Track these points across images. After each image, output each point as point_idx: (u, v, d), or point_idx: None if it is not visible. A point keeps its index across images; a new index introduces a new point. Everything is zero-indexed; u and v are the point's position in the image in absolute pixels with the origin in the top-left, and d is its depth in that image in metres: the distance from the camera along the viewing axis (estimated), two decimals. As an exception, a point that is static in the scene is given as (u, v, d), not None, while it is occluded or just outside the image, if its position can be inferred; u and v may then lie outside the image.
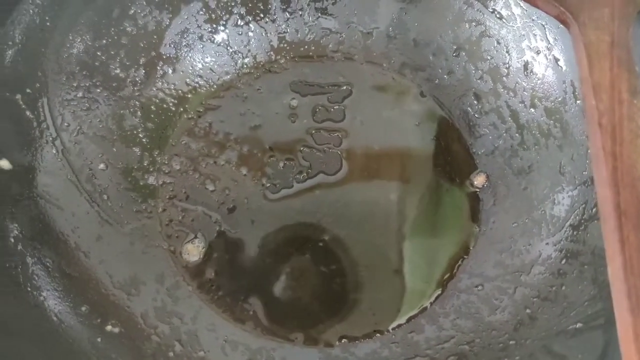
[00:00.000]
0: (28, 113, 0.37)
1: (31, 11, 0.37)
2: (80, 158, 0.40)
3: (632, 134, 0.28)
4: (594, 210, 0.37)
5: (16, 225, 0.35)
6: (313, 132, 0.44)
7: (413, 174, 0.43)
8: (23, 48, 0.37)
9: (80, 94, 0.40)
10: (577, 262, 0.36)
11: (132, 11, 0.42)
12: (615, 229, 0.26)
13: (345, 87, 0.45)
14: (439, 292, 0.40)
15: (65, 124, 0.39)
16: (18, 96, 0.37)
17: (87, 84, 0.40)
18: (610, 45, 0.30)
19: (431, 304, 0.39)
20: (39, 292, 0.34)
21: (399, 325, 0.39)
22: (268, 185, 0.42)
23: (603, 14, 0.31)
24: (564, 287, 0.36)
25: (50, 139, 0.38)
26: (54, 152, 0.38)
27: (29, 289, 0.34)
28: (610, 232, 0.26)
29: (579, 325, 0.33)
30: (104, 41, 0.41)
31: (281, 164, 0.43)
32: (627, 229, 0.26)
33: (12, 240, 0.35)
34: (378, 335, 0.38)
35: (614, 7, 0.31)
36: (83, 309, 0.35)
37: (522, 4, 0.41)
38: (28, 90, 0.37)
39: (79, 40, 0.40)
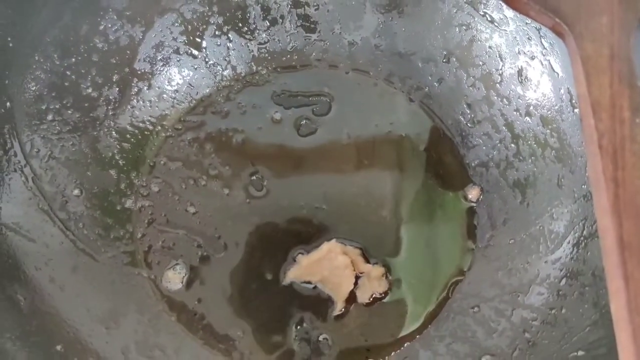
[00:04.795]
0: (-7, 141, 0.35)
1: (-9, 32, 0.35)
2: (52, 185, 0.38)
3: (635, 157, 0.26)
4: (594, 226, 0.35)
5: (-18, 262, 0.33)
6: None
7: (404, 188, 0.41)
8: (-16, 72, 0.35)
9: (50, 117, 0.38)
10: (577, 283, 0.35)
11: (102, 26, 0.39)
12: (619, 264, 0.24)
13: (330, 98, 0.43)
14: (433, 314, 0.38)
15: (35, 150, 0.37)
16: (-19, 124, 0.35)
17: (57, 106, 0.38)
18: (610, 59, 0.28)
19: (426, 327, 0.37)
20: (3, 335, 0.32)
21: (393, 352, 0.37)
22: (253, 204, 0.40)
23: (601, 23, 0.28)
24: (564, 310, 0.34)
25: (19, 166, 0.36)
26: (23, 180, 0.36)
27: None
28: (613, 267, 0.24)
29: (580, 353, 0.31)
30: (73, 59, 0.38)
31: (266, 182, 0.41)
32: (632, 264, 0.24)
33: (-21, 279, 0.33)
34: (371, 361, 0.37)
35: (613, 14, 0.29)
36: (58, 348, 0.33)
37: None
38: (-8, 117, 0.35)
39: (45, 60, 0.37)
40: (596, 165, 0.26)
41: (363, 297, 0.37)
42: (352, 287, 0.37)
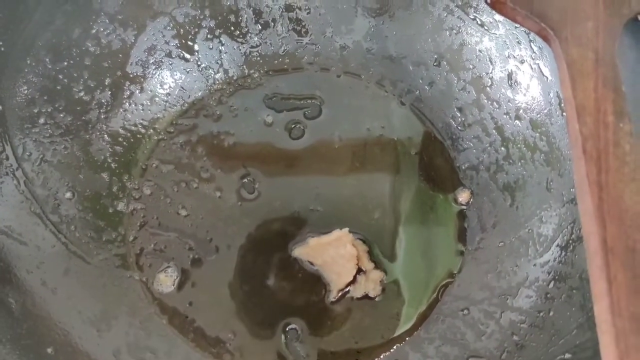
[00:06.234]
0: (-16, 145, 0.35)
1: (-17, 37, 0.35)
2: (44, 188, 0.38)
3: (619, 162, 0.26)
4: (582, 230, 0.35)
5: (-26, 265, 0.33)
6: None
7: (396, 191, 0.41)
8: (-24, 76, 0.35)
9: (42, 121, 0.38)
10: (565, 286, 0.35)
11: (95, 30, 0.39)
12: (602, 266, 0.24)
13: (321, 101, 0.43)
14: (423, 316, 0.38)
15: (27, 154, 0.37)
16: (-27, 128, 0.35)
17: (49, 110, 0.38)
18: (595, 63, 0.28)
19: (416, 329, 0.38)
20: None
21: (382, 354, 0.37)
22: (244, 207, 0.40)
23: (586, 28, 0.29)
24: (551, 313, 0.34)
25: (11, 170, 0.36)
26: (15, 183, 0.36)
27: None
28: (597, 269, 0.25)
29: (567, 355, 0.32)
30: (65, 63, 0.39)
31: (257, 185, 0.41)
32: (615, 267, 0.24)
33: (-30, 282, 0.33)
34: (361, 363, 0.37)
35: (598, 20, 0.29)
36: (49, 350, 0.34)
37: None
38: (-16, 121, 0.35)
39: (37, 63, 0.37)
40: (581, 168, 0.26)
41: (355, 292, 0.38)
42: (350, 279, 0.37)
